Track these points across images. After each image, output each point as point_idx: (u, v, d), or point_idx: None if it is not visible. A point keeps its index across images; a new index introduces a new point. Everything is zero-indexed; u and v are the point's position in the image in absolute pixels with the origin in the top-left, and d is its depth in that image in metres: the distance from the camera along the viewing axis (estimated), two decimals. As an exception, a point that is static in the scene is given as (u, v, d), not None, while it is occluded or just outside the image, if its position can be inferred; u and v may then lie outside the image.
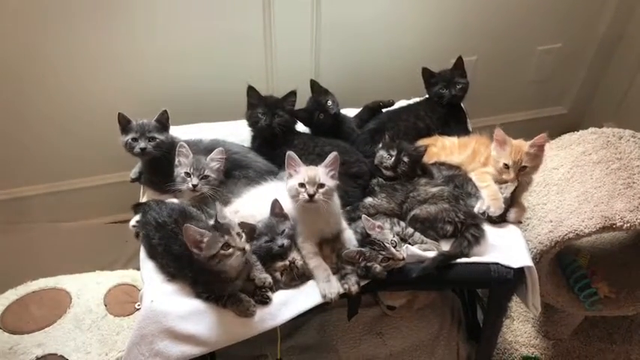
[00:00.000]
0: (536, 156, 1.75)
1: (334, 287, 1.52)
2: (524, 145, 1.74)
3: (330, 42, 2.44)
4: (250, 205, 1.66)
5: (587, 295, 1.93)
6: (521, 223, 1.79)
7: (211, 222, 1.47)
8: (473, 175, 1.82)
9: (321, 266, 1.56)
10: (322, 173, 1.56)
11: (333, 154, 1.59)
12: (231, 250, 1.42)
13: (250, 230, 1.55)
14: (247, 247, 1.45)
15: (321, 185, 1.53)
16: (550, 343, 2.21)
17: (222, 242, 1.41)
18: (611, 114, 3.01)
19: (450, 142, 1.94)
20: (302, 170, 1.57)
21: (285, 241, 1.57)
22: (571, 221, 1.79)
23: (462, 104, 2.13)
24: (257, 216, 1.62)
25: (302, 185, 1.53)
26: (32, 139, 2.42)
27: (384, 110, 2.14)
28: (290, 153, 1.59)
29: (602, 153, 1.97)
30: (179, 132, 1.96)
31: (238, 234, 1.44)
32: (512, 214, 1.75)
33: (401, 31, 2.53)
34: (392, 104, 2.16)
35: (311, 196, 1.52)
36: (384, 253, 1.52)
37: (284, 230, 1.58)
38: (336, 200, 1.64)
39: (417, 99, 2.18)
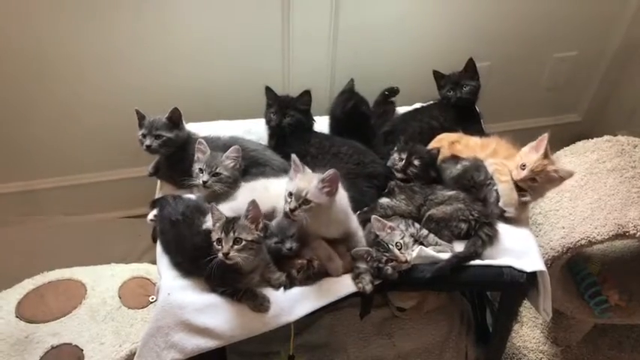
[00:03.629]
0: (551, 181, 1.72)
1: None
2: (552, 165, 1.70)
3: (347, 45, 2.45)
4: (280, 186, 1.63)
5: (597, 303, 1.93)
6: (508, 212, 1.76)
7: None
8: (492, 165, 1.78)
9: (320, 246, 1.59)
10: (313, 187, 1.49)
11: (332, 170, 1.49)
12: (220, 247, 1.44)
13: (263, 228, 1.55)
14: (233, 254, 1.43)
15: (306, 201, 1.48)
16: (558, 349, 2.21)
17: (217, 236, 1.45)
18: (626, 122, 3.00)
19: (474, 141, 1.93)
20: (297, 178, 1.53)
21: (294, 245, 1.56)
22: (584, 228, 1.80)
23: (475, 106, 2.13)
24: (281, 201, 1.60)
25: (290, 195, 1.50)
26: (50, 132, 2.45)
27: (397, 110, 2.18)
28: (294, 156, 1.55)
29: (617, 161, 1.98)
30: (198, 128, 1.98)
31: (237, 240, 1.43)
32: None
33: (417, 36, 2.54)
34: (397, 90, 2.19)
35: (291, 210, 1.49)
36: (387, 254, 1.53)
37: (294, 233, 1.57)
38: (340, 208, 1.58)
39: (432, 101, 2.20)
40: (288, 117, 1.93)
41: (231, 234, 1.44)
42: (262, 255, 1.53)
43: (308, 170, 1.57)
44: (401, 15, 2.45)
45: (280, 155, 1.92)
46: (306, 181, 1.51)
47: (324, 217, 1.55)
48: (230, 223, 1.45)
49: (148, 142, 1.81)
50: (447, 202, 1.73)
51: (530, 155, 1.72)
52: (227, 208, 1.58)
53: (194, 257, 1.54)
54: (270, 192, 1.67)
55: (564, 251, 1.80)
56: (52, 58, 2.24)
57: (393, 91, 2.18)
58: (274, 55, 2.41)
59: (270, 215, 1.62)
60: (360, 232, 1.66)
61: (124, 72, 2.33)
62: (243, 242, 1.44)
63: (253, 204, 1.48)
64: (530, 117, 3.07)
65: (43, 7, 2.10)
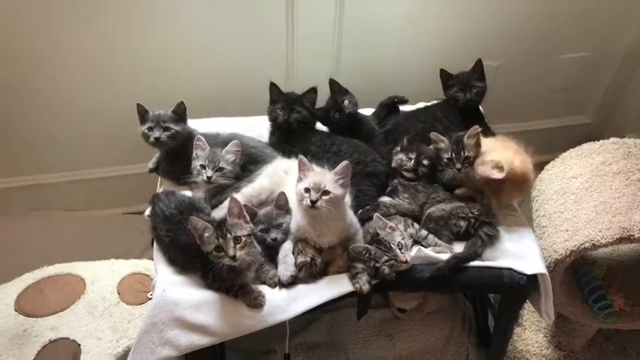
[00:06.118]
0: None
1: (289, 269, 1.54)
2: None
3: (352, 41, 2.45)
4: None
5: (601, 307, 1.90)
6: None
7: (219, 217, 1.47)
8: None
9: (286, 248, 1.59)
10: (330, 180, 1.51)
11: (345, 162, 1.54)
12: (222, 253, 1.42)
13: (252, 215, 1.55)
14: (239, 254, 1.42)
15: (326, 192, 1.49)
16: (562, 354, 2.17)
17: (215, 244, 1.41)
18: (635, 124, 2.96)
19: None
20: (310, 175, 1.53)
21: (279, 236, 1.58)
22: (588, 231, 1.76)
23: (480, 107, 2.10)
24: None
25: (307, 190, 1.50)
26: (54, 128, 2.48)
27: (400, 110, 2.14)
28: (301, 157, 1.55)
29: (623, 163, 1.94)
30: (197, 125, 1.97)
31: (236, 239, 1.42)
32: None
33: (423, 34, 2.53)
34: (406, 101, 2.15)
35: (313, 202, 1.48)
36: (388, 254, 1.52)
37: (281, 224, 1.59)
38: (346, 210, 1.60)
39: (435, 101, 2.17)
40: (295, 113, 1.92)
41: (229, 235, 1.42)
42: (255, 249, 1.53)
43: (317, 167, 1.59)
44: (407, 13, 2.44)
45: (280, 153, 1.92)
46: (321, 175, 1.53)
47: (337, 214, 1.55)
48: (221, 227, 1.42)
49: (156, 134, 1.80)
50: (447, 201, 1.73)
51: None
52: (244, 194, 1.68)
53: (188, 253, 1.53)
54: (291, 175, 1.69)
55: (568, 254, 1.77)
56: (57, 56, 2.26)
57: (402, 101, 2.16)
58: (278, 52, 2.41)
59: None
60: (359, 236, 1.64)
61: (127, 69, 2.34)
62: (243, 239, 1.44)
63: (232, 200, 1.48)
64: (539, 118, 3.04)
65: (46, 5, 2.11)
